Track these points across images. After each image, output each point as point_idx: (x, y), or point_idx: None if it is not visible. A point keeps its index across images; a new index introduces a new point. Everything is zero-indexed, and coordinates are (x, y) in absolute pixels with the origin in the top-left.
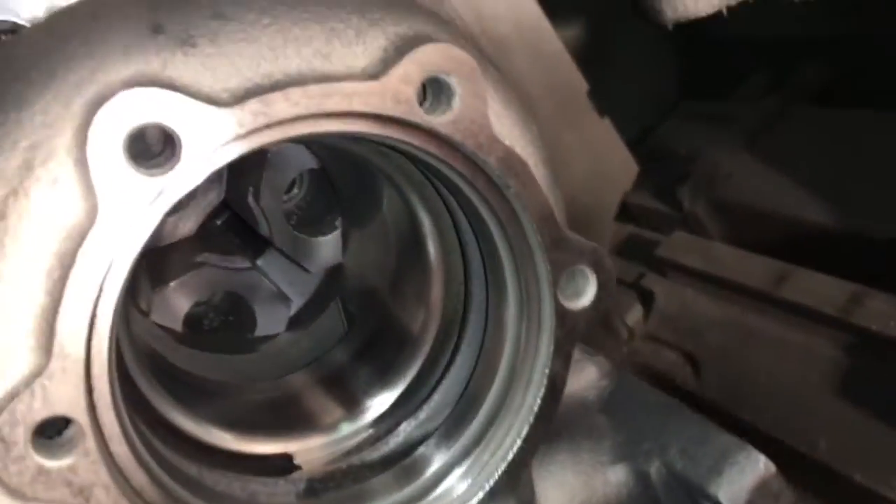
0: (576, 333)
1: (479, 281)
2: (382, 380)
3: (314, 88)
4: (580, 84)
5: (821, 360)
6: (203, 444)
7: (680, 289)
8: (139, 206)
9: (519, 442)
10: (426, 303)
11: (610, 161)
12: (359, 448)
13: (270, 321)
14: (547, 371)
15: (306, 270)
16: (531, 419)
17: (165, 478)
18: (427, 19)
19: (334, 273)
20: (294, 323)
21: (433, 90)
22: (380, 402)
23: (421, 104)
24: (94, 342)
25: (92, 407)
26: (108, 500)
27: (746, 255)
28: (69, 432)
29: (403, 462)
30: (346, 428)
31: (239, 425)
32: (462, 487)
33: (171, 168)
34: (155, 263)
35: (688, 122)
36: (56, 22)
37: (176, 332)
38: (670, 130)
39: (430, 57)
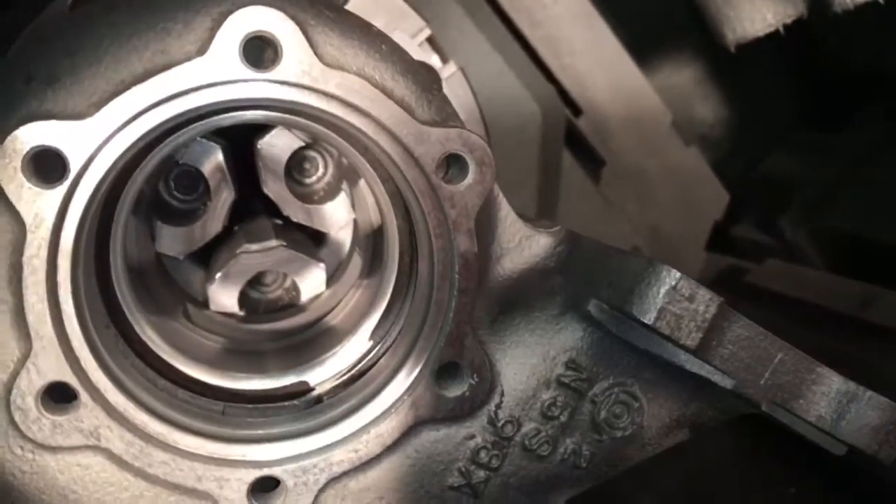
0: (470, 210)
1: None
2: (374, 304)
3: (153, 79)
4: (663, 115)
5: None
6: (230, 391)
7: (767, 316)
8: (54, 214)
9: (451, 315)
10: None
11: (698, 190)
12: (355, 365)
13: (311, 285)
14: (455, 249)
15: (327, 233)
16: (455, 293)
17: (173, 413)
18: None
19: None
20: (330, 279)
21: (260, 49)
22: (371, 323)
23: (259, 65)
24: (66, 323)
25: (80, 370)
26: (114, 435)
27: (833, 279)
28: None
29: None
30: (350, 352)
31: (268, 371)
32: (416, 368)
33: (67, 177)
34: (201, 263)
35: (796, 152)
36: None
37: (234, 316)
38: (778, 160)
39: (242, 22)
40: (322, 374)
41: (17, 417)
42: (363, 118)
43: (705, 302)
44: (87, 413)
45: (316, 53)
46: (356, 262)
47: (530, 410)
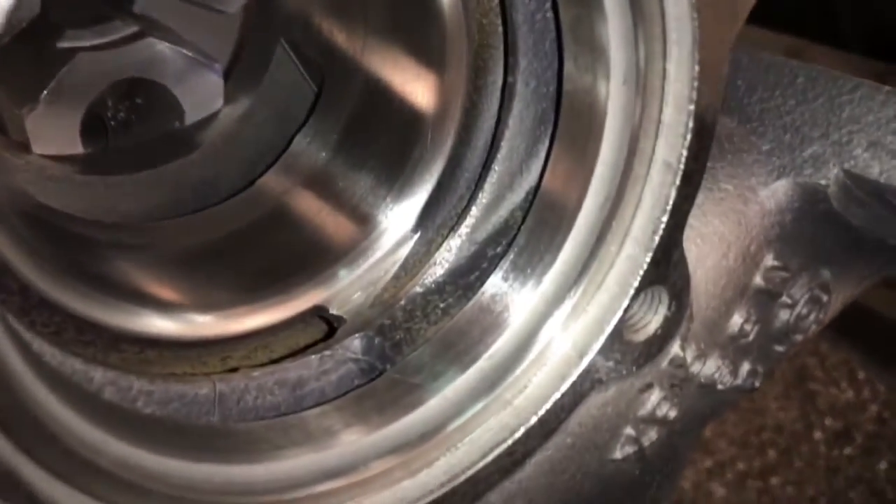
0: (722, 39)
1: None
2: (400, 150)
3: None
4: None
5: None
6: (199, 340)
7: None
8: None
9: (664, 219)
10: (429, 12)
11: None
12: (411, 268)
13: (199, 98)
14: (692, 105)
15: (219, 11)
16: (676, 181)
17: None
18: None
19: (261, 5)
20: (235, 90)
21: None
22: (411, 202)
23: None
24: None
25: None
26: None
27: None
28: None
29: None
30: (379, 243)
31: (238, 288)
32: (591, 304)
33: None
34: (10, 76)
35: None
36: None
37: (79, 159)
38: None
39: None
40: (335, 291)
41: None
42: None
43: None
44: None
45: None
46: (288, 72)
47: (719, 336)
